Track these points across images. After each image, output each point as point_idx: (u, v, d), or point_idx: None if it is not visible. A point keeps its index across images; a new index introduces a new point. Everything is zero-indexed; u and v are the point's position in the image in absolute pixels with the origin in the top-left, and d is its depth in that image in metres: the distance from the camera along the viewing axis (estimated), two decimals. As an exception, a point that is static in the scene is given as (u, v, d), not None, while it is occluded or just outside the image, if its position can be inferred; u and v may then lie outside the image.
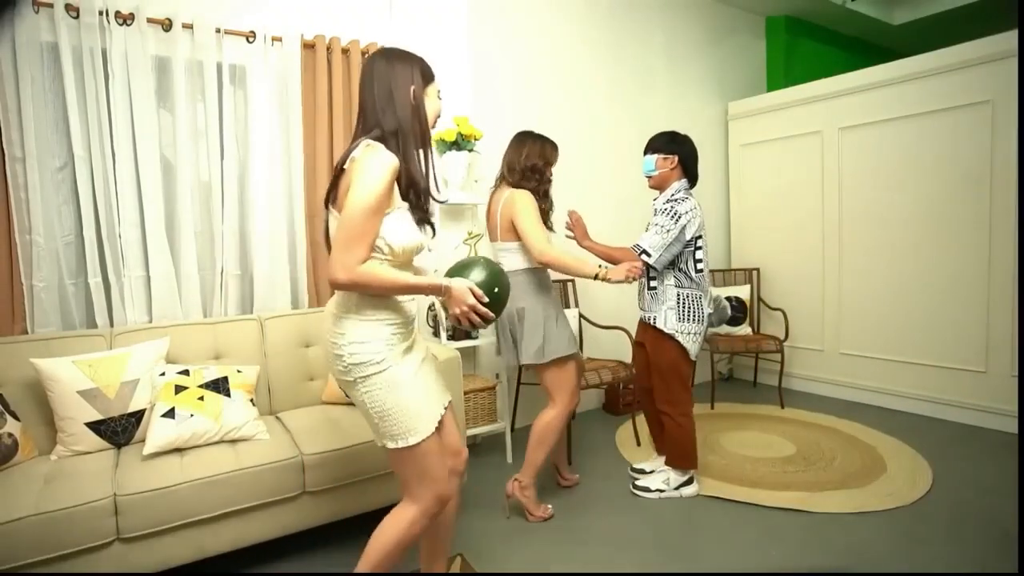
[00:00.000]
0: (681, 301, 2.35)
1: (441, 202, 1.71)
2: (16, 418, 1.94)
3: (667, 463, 2.52)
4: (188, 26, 2.42)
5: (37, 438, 2.01)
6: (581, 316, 3.47)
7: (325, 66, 2.69)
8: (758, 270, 4.21)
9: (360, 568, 1.47)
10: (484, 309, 1.42)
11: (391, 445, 1.43)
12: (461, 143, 2.86)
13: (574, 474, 2.67)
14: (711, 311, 2.45)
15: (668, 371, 2.41)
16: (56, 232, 2.26)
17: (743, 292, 4.02)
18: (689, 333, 2.36)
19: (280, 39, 2.60)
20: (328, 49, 2.70)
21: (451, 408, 1.62)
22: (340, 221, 1.33)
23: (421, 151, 1.44)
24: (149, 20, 2.35)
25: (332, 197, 1.42)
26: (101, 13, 2.26)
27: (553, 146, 2.38)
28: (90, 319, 2.35)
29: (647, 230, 2.40)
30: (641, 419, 3.17)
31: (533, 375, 2.46)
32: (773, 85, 4.52)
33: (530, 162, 2.32)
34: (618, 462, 2.89)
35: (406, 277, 1.39)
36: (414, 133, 1.42)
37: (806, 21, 4.63)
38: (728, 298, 3.97)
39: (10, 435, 1.87)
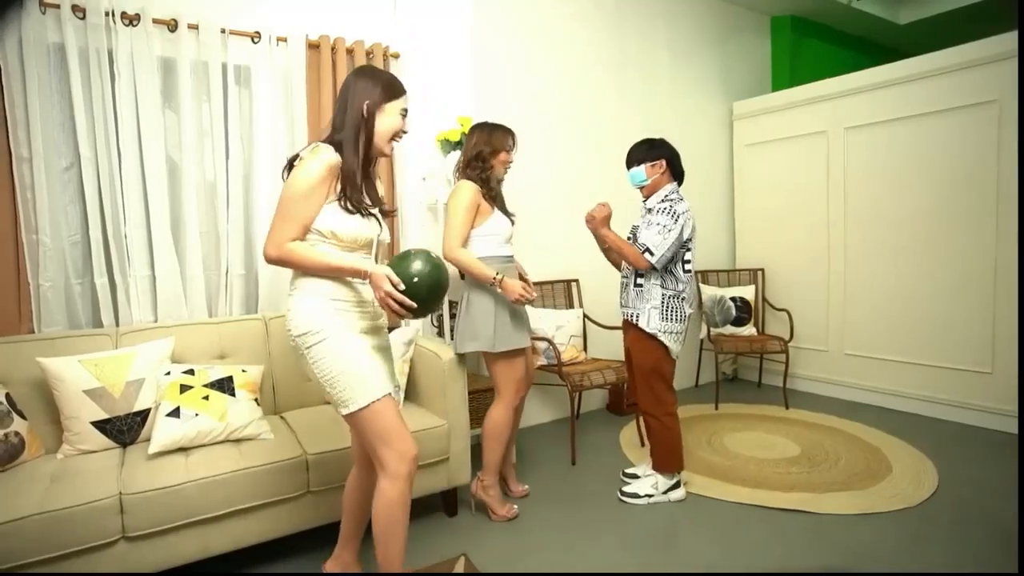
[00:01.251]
0: (665, 302, 2.35)
1: (387, 212, 1.71)
2: (23, 417, 1.95)
3: (654, 467, 2.49)
4: (193, 27, 2.44)
5: (43, 437, 2.02)
6: (585, 316, 3.47)
7: (329, 66, 2.70)
8: (763, 270, 4.20)
9: (379, 554, 1.58)
10: (400, 296, 1.47)
11: (344, 411, 1.53)
12: (464, 142, 2.86)
13: (522, 485, 2.60)
14: (691, 311, 2.44)
15: (651, 372, 2.40)
16: (62, 232, 2.27)
17: (748, 292, 4.01)
18: (672, 332, 2.35)
19: (285, 39, 2.61)
20: (332, 49, 2.71)
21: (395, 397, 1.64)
22: (277, 204, 1.52)
23: (361, 158, 1.56)
24: (155, 21, 2.36)
25: None
26: (107, 14, 2.28)
27: (504, 133, 2.36)
28: (96, 319, 2.36)
29: (646, 228, 2.36)
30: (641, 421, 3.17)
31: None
32: (778, 85, 4.50)
33: (475, 151, 2.33)
34: (621, 463, 2.88)
35: (330, 258, 1.53)
36: (357, 140, 1.54)
37: (811, 20, 4.61)
38: (732, 298, 3.96)
39: (16, 434, 1.88)
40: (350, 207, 1.54)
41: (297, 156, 1.58)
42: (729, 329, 3.92)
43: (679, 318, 2.37)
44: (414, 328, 2.56)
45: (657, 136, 2.51)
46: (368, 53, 2.80)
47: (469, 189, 2.28)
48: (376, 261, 1.65)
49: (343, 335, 1.54)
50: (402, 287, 1.47)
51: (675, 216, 2.31)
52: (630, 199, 3.34)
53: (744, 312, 3.94)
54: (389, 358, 1.70)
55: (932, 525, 2.21)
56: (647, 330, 2.35)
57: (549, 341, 3.07)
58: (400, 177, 2.98)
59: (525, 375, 2.41)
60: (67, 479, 1.78)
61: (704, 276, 4.17)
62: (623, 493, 2.49)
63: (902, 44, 5.03)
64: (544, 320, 3.23)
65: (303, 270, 1.56)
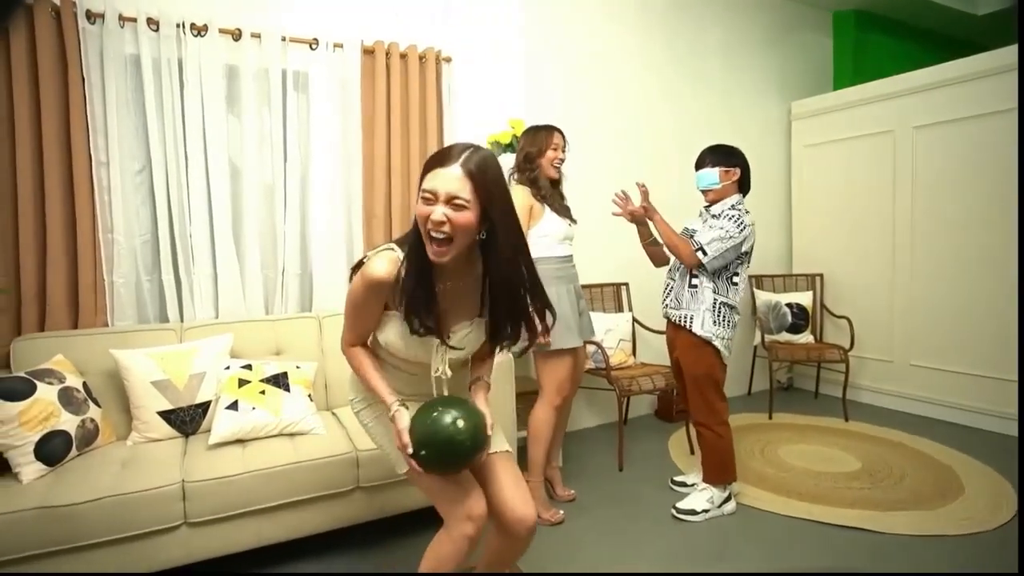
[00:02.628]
0: (716, 306, 2.29)
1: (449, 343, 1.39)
2: (97, 405, 2.07)
3: (705, 479, 2.39)
4: (256, 35, 2.53)
5: (115, 424, 2.14)
6: (635, 320, 3.41)
7: (384, 71, 2.76)
8: (821, 276, 4.02)
9: None
10: (408, 456, 1.34)
11: (399, 471, 1.51)
12: (516, 145, 2.87)
13: (568, 489, 2.57)
14: (739, 317, 2.36)
15: (704, 379, 2.32)
16: (134, 231, 2.40)
17: (805, 299, 3.85)
18: (723, 338, 2.29)
19: (341, 45, 2.68)
20: (387, 54, 2.76)
21: (503, 460, 1.50)
22: None
23: (417, 266, 1.28)
24: (220, 30, 2.47)
25: None
26: (178, 26, 2.40)
27: (548, 131, 2.37)
28: (162, 314, 2.49)
29: (708, 230, 2.28)
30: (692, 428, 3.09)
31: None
32: (840, 83, 4.31)
33: (523, 153, 2.38)
34: (670, 470, 2.81)
35: (371, 379, 1.44)
36: (415, 238, 1.28)
37: (877, 14, 4.39)
38: (788, 304, 3.81)
39: (92, 420, 2.00)
40: (416, 328, 1.30)
41: (362, 261, 1.36)
42: (784, 336, 3.78)
43: (730, 325, 2.30)
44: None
45: (712, 138, 2.46)
46: (421, 57, 2.84)
47: (519, 194, 2.31)
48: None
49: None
50: (410, 452, 1.32)
51: (741, 226, 2.25)
52: (680, 202, 3.26)
53: (801, 319, 3.78)
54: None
55: (1009, 552, 2.06)
56: (700, 334, 2.28)
57: (598, 345, 3.03)
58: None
59: (570, 376, 2.39)
60: (136, 465, 1.88)
61: (758, 281, 4.04)
62: (678, 509, 2.37)
63: (979, 37, 4.71)
64: (593, 323, 3.19)
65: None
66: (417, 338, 1.33)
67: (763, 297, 3.90)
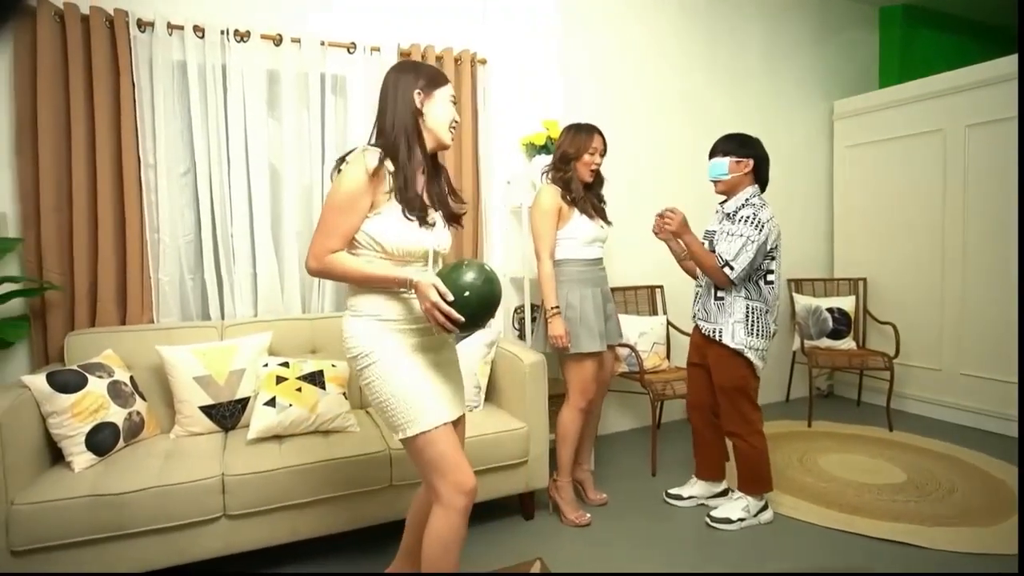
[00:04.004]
0: (749, 315, 2.18)
1: (455, 216, 1.59)
2: (143, 398, 2.15)
3: (740, 488, 2.34)
4: (296, 40, 2.59)
5: (160, 417, 2.22)
6: (669, 323, 3.36)
7: (419, 74, 2.78)
8: (864, 280, 3.89)
9: None
10: (447, 308, 1.33)
11: (397, 436, 1.45)
12: (550, 147, 2.86)
13: (600, 493, 2.54)
14: (776, 328, 2.25)
15: (736, 390, 2.24)
16: (179, 231, 2.48)
17: (847, 303, 3.72)
18: (757, 349, 2.19)
19: (378, 49, 2.72)
20: (423, 56, 2.79)
21: (461, 426, 1.59)
22: (320, 215, 1.43)
23: (417, 155, 1.45)
24: (262, 36, 2.54)
25: None
26: (222, 32, 2.47)
27: (588, 134, 2.33)
28: (204, 311, 2.56)
29: (727, 239, 2.18)
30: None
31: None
32: (887, 81, 4.16)
33: (560, 152, 2.36)
34: (704, 477, 2.75)
35: (371, 267, 1.41)
36: (410, 137, 1.45)
37: (926, 8, 4.23)
38: (829, 309, 3.69)
39: (138, 413, 2.07)
40: (408, 214, 1.42)
41: (343, 159, 1.45)
42: (825, 342, 3.66)
43: (765, 334, 2.21)
44: (496, 330, 2.58)
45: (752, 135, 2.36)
46: (457, 60, 2.86)
47: (549, 194, 2.31)
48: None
49: (393, 358, 1.44)
50: (450, 298, 1.33)
51: (759, 225, 2.12)
52: (707, 206, 3.22)
53: (842, 324, 3.67)
54: (454, 374, 1.58)
55: (1070, 573, 1.95)
56: (732, 346, 2.19)
57: (631, 348, 2.99)
58: (485, 181, 3.02)
59: (596, 379, 2.38)
60: (178, 457, 1.94)
61: (798, 285, 3.93)
62: (712, 518, 2.32)
63: (1036, 30, 4.49)
64: (627, 326, 3.16)
65: (344, 281, 1.48)
66: (414, 225, 1.43)
67: (803, 301, 3.80)
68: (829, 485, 2.64)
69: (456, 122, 1.53)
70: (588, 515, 2.35)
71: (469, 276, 1.37)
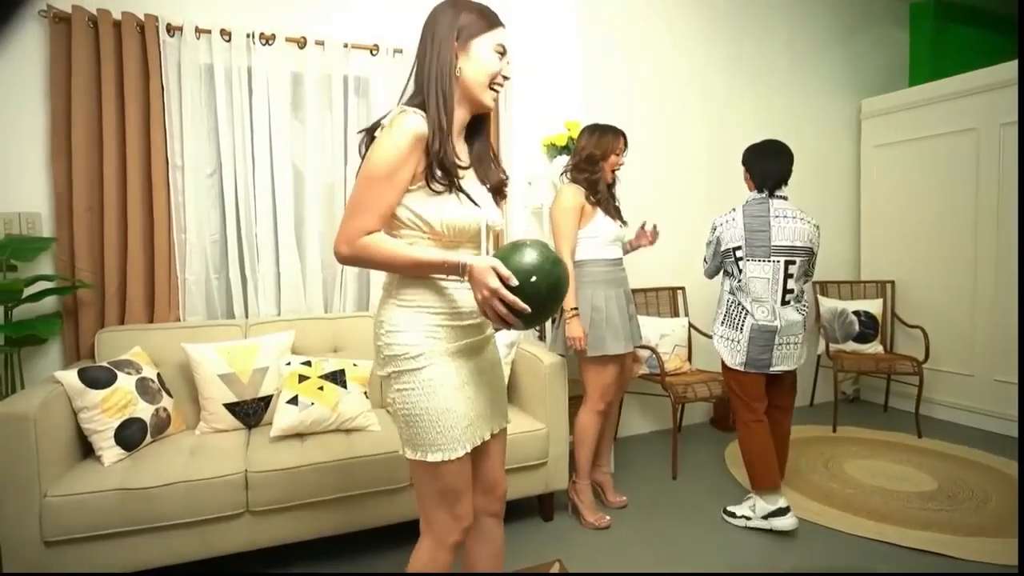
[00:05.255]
0: (728, 307, 2.37)
1: (499, 186, 1.36)
2: (169, 395, 2.19)
3: (752, 486, 2.33)
4: (320, 43, 2.62)
5: (185, 414, 2.26)
6: (691, 325, 3.32)
7: (440, 75, 2.79)
8: (892, 283, 3.80)
9: None
10: (512, 297, 1.08)
11: (411, 455, 1.24)
12: (571, 147, 2.85)
13: (619, 496, 2.52)
14: (763, 323, 2.25)
15: (725, 381, 2.44)
16: (205, 231, 2.53)
17: (874, 306, 3.64)
18: (725, 338, 2.34)
19: (401, 50, 2.74)
20: (443, 58, 2.80)
21: (502, 436, 1.41)
22: (352, 191, 1.21)
23: (449, 117, 1.20)
24: (287, 39, 2.57)
25: None
26: (248, 36, 2.51)
27: (614, 135, 2.33)
28: (229, 310, 2.60)
29: None
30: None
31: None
32: (917, 79, 4.06)
33: (585, 153, 2.34)
34: (725, 481, 2.72)
35: (414, 251, 1.18)
36: (442, 95, 1.20)
37: (960, 3, 4.11)
38: (856, 312, 3.62)
39: (165, 410, 2.11)
40: (438, 185, 1.19)
41: (378, 125, 1.23)
42: (851, 346, 3.59)
43: (736, 325, 2.31)
44: (516, 331, 2.57)
45: (784, 140, 2.41)
46: (477, 61, 2.87)
47: (571, 193, 2.29)
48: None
49: (443, 369, 1.22)
50: (514, 283, 1.09)
51: (712, 227, 2.40)
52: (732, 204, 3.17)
53: (869, 328, 3.59)
54: (496, 382, 1.38)
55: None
56: (711, 333, 2.45)
57: (652, 350, 2.97)
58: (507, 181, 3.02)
59: (615, 382, 2.36)
60: (203, 453, 1.97)
61: (823, 287, 3.85)
62: (725, 511, 2.41)
63: (1075, 26, 4.34)
64: (648, 328, 3.13)
65: (382, 269, 1.23)
66: (455, 198, 1.22)
67: (828, 304, 3.72)
68: (856, 491, 2.58)
69: (504, 78, 1.26)
70: (608, 518, 2.34)
71: (534, 257, 1.12)
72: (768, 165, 2.32)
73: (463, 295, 1.24)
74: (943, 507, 2.43)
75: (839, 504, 2.46)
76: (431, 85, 1.21)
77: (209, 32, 2.46)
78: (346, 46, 2.67)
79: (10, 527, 1.66)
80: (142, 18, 2.36)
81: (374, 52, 2.71)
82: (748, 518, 2.31)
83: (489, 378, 1.35)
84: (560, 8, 3.13)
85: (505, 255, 1.14)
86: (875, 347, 3.57)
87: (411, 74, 1.28)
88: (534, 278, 1.10)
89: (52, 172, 2.32)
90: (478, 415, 1.28)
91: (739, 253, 2.30)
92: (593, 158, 2.31)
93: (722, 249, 2.35)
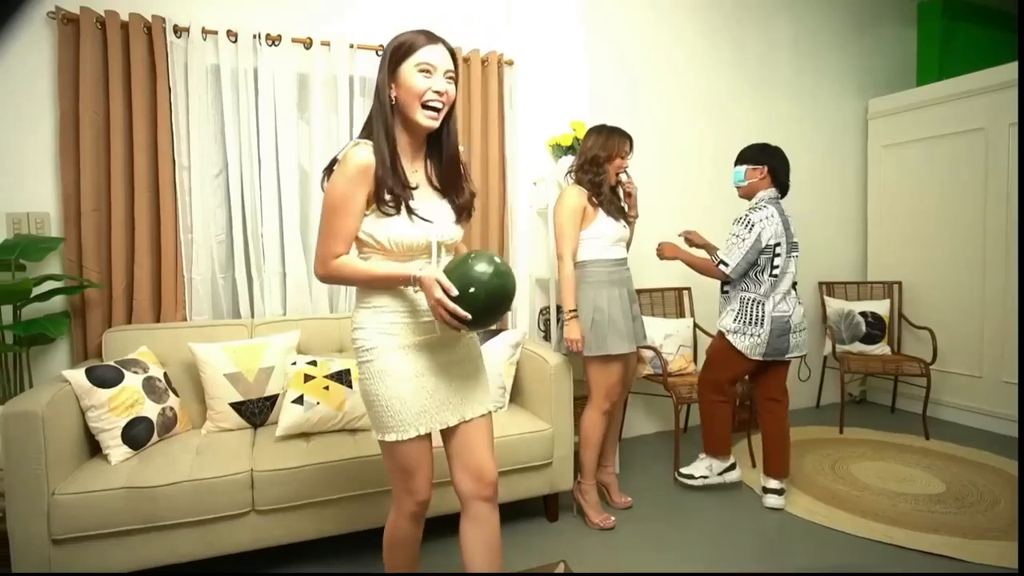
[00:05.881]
0: (743, 306, 2.41)
1: (462, 206, 1.46)
2: (176, 394, 2.20)
3: (704, 450, 2.59)
4: (325, 43, 2.63)
5: (191, 413, 2.27)
6: (696, 326, 3.31)
7: (446, 75, 2.80)
8: (899, 284, 3.78)
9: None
10: (452, 305, 1.23)
11: (375, 435, 1.42)
12: (576, 147, 2.84)
13: (624, 496, 2.52)
14: (784, 315, 2.39)
15: (710, 359, 2.54)
16: (211, 231, 2.53)
17: (881, 307, 3.62)
18: (741, 333, 2.40)
19: (406, 51, 2.74)
20: (449, 59, 2.80)
21: (483, 423, 1.49)
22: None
23: (390, 143, 1.33)
24: (293, 40, 2.58)
25: None
26: (255, 36, 2.52)
27: (621, 138, 2.33)
28: (235, 310, 2.61)
29: (726, 239, 2.45)
30: (757, 439, 2.98)
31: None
32: (925, 78, 4.03)
33: (591, 154, 2.33)
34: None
35: (377, 268, 1.36)
36: (382, 124, 1.34)
37: (968, 2, 4.08)
38: (862, 313, 3.60)
39: (171, 409, 2.12)
40: (387, 208, 1.32)
41: (335, 159, 1.37)
42: (858, 347, 3.57)
43: (753, 320, 2.39)
44: (521, 331, 2.57)
45: (780, 139, 2.48)
46: (484, 61, 2.87)
47: (573, 194, 2.29)
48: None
49: (391, 361, 1.37)
50: (454, 293, 1.24)
51: (749, 225, 2.36)
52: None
53: (876, 329, 3.57)
54: (468, 372, 1.48)
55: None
56: (719, 327, 2.49)
57: (655, 350, 2.96)
58: (511, 182, 3.02)
59: (619, 382, 2.35)
60: (209, 452, 1.98)
61: (830, 288, 3.83)
62: (680, 473, 2.62)
63: (1084, 25, 4.31)
64: (653, 328, 3.13)
65: (352, 285, 1.44)
66: (402, 219, 1.34)
67: (834, 305, 3.70)
68: (863, 494, 2.56)
69: (437, 93, 1.33)
70: (613, 519, 2.33)
71: (477, 270, 1.27)
72: (783, 165, 2.47)
73: (422, 296, 1.35)
74: (951, 510, 2.41)
75: (846, 506, 2.44)
76: (375, 118, 1.36)
77: (216, 33, 2.47)
78: (352, 46, 2.68)
79: (19, 524, 1.67)
80: (149, 19, 2.37)
81: (379, 53, 2.71)
82: (706, 477, 2.55)
83: (460, 370, 1.46)
84: (565, 8, 3.13)
85: (450, 268, 1.30)
86: (882, 348, 3.55)
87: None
88: (472, 289, 1.25)
89: (60, 172, 2.33)
90: (438, 403, 1.41)
91: (778, 250, 2.37)
92: (598, 160, 2.30)
93: (762, 246, 2.35)
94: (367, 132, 1.38)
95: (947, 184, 3.59)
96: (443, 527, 1.92)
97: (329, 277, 1.37)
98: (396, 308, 1.39)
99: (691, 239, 2.58)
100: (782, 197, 2.48)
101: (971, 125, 3.46)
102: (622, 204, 2.43)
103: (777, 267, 2.38)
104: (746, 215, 2.39)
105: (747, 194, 2.50)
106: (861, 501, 2.49)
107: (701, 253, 2.54)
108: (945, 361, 3.50)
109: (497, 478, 1.50)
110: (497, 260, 1.31)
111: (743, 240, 2.36)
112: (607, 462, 2.52)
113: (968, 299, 3.50)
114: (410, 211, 1.35)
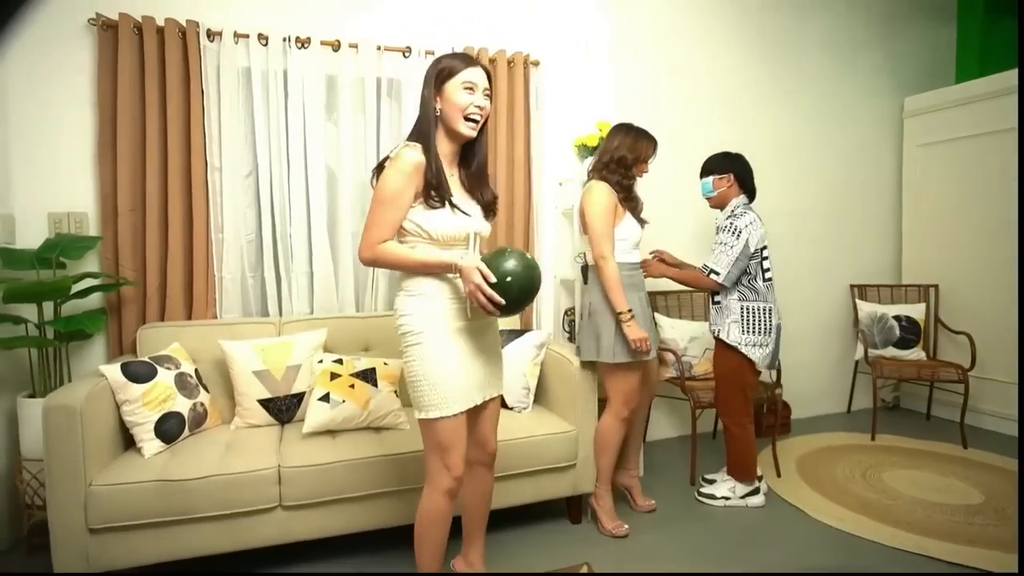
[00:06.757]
0: (744, 314, 2.38)
1: (488, 204, 1.68)
2: (206, 390, 2.25)
3: (728, 472, 2.55)
4: (353, 45, 2.66)
5: (221, 409, 2.32)
6: (721, 329, 3.26)
7: (471, 76, 2.80)
8: (936, 287, 3.67)
9: (416, 557, 1.64)
10: (490, 291, 1.42)
11: (417, 415, 1.56)
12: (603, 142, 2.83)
13: (648, 499, 2.49)
14: (779, 322, 2.44)
15: (726, 378, 2.46)
16: (241, 231, 2.58)
17: (916, 311, 3.52)
18: (754, 344, 2.38)
19: (432, 52, 2.76)
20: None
21: (495, 403, 1.73)
22: (369, 208, 1.54)
23: (436, 149, 1.54)
24: (322, 42, 2.62)
25: None
26: (284, 39, 2.56)
27: (649, 142, 2.29)
28: (263, 308, 2.66)
29: (712, 249, 2.42)
30: (781, 446, 2.94)
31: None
32: (964, 75, 3.90)
33: (618, 154, 2.26)
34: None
35: (420, 254, 1.52)
36: (431, 131, 1.54)
37: (1011, -4, 3.94)
38: (896, 317, 3.50)
39: (202, 404, 2.17)
40: (434, 202, 1.52)
41: (386, 159, 1.57)
42: (891, 351, 3.47)
43: (762, 330, 2.38)
44: (546, 332, 2.57)
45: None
46: (510, 62, 2.87)
47: (604, 193, 2.23)
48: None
49: (439, 342, 1.53)
50: (493, 280, 1.43)
51: (736, 232, 2.35)
52: (776, 210, 3.10)
53: (911, 333, 3.46)
54: (493, 358, 1.68)
55: None
56: (728, 341, 2.40)
57: (675, 354, 2.92)
58: (536, 182, 3.02)
59: (640, 388, 2.31)
60: (238, 448, 2.02)
61: (862, 291, 3.74)
62: (700, 494, 2.55)
63: None
64: (677, 331, 3.09)
65: (395, 268, 1.58)
66: (447, 211, 1.53)
67: (866, 308, 3.61)
68: (896, 503, 2.49)
69: (478, 107, 1.55)
70: (626, 526, 2.28)
71: (511, 263, 1.46)
72: (747, 170, 2.49)
73: (461, 286, 1.54)
74: (990, 522, 2.33)
75: (877, 515, 2.38)
76: (423, 127, 1.55)
77: (247, 36, 2.51)
78: (379, 48, 2.70)
79: (59, 513, 1.73)
80: (184, 24, 2.43)
81: (406, 54, 2.74)
82: (728, 498, 2.50)
83: (488, 355, 1.66)
84: (592, 7, 3.11)
85: (489, 259, 1.48)
86: (917, 353, 3.45)
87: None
88: (509, 279, 1.44)
89: (99, 174, 2.40)
90: (474, 382, 1.59)
91: (766, 253, 2.41)
92: (625, 161, 2.25)
93: (751, 252, 2.35)
94: (415, 136, 1.56)
95: (987, 184, 3.47)
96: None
97: (374, 260, 1.54)
98: (443, 296, 1.55)
99: (663, 258, 2.58)
100: (751, 202, 2.50)
101: (1013, 123, 3.33)
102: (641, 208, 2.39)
103: (768, 271, 2.42)
104: (730, 223, 2.37)
105: (719, 203, 2.50)
106: (893, 510, 2.42)
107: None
108: (984, 367, 3.38)
109: (496, 449, 1.79)
110: (528, 256, 1.52)
111: (731, 248, 2.35)
112: (630, 465, 2.49)
113: (1008, 303, 3.37)
114: (452, 205, 1.54)
